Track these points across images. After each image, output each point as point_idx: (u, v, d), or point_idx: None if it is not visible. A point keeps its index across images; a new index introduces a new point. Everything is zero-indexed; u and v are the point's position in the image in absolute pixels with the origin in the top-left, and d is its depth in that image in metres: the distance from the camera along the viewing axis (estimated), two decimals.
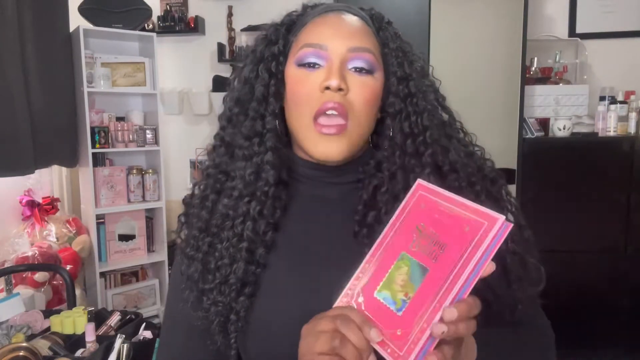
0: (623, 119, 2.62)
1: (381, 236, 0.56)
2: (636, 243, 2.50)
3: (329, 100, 0.62)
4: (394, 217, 0.56)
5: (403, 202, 0.56)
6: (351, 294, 0.54)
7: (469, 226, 0.47)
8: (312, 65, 0.64)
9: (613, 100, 2.66)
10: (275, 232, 0.67)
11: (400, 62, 0.67)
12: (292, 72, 0.66)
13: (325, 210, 0.70)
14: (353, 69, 0.64)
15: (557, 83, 2.79)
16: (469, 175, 0.66)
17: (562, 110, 2.73)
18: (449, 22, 2.53)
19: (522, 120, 2.52)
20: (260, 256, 0.66)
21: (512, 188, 2.48)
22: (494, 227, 0.45)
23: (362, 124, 0.65)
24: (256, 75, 0.68)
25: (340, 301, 0.55)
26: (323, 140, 0.63)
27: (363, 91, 0.64)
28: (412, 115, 0.66)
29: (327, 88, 0.62)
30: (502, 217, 0.45)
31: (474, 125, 0.73)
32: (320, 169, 0.69)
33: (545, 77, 2.80)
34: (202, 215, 0.69)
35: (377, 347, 0.49)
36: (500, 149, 2.46)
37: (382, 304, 0.51)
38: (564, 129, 2.60)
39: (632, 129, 2.59)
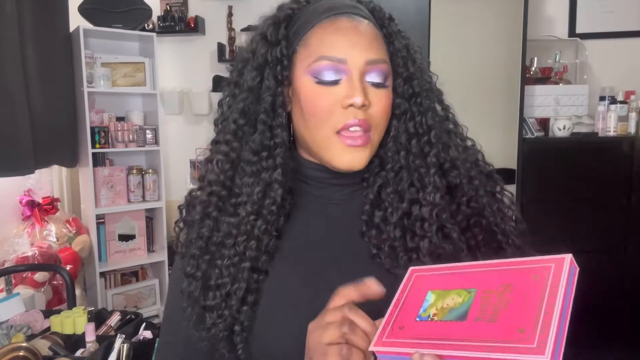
0: (623, 119, 2.61)
1: (482, 263, 0.53)
2: (636, 243, 2.50)
3: (353, 118, 0.61)
4: (507, 261, 0.51)
5: (527, 262, 0.50)
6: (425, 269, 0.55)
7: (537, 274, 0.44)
8: (330, 79, 0.62)
9: (613, 100, 2.65)
10: (279, 240, 0.66)
11: (405, 61, 0.67)
12: (307, 84, 0.63)
13: (330, 212, 0.69)
14: (370, 84, 0.63)
15: (557, 83, 2.79)
16: (468, 170, 0.66)
17: (562, 110, 2.73)
18: (449, 22, 2.53)
19: (522, 120, 2.51)
20: (263, 263, 0.65)
21: (512, 188, 2.47)
22: (564, 265, 0.42)
23: (381, 132, 0.65)
24: (260, 81, 0.66)
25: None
26: (348, 152, 0.62)
27: (382, 103, 0.63)
28: (417, 115, 0.66)
29: (351, 105, 0.61)
30: (569, 255, 0.41)
31: (474, 125, 0.73)
32: (327, 171, 0.68)
33: (545, 77, 2.80)
34: (202, 232, 0.67)
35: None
36: (500, 149, 2.46)
37: (421, 300, 0.51)
38: (564, 129, 2.60)
39: (632, 129, 2.59)
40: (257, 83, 0.65)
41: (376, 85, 0.63)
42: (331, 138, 0.62)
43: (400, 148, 0.65)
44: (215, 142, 0.70)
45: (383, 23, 0.68)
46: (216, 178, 0.67)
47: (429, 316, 0.49)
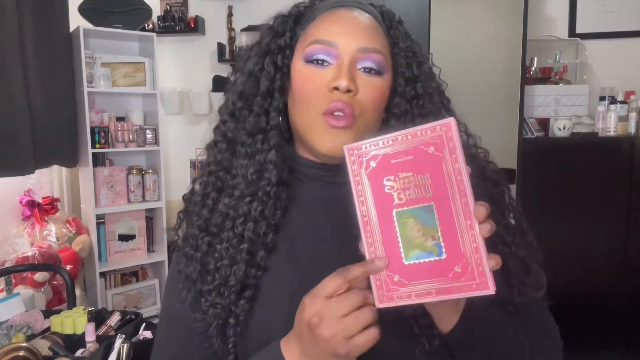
0: (623, 119, 2.62)
1: (359, 219, 0.52)
2: (636, 243, 2.50)
3: (337, 101, 0.61)
4: (354, 196, 0.52)
5: (350, 177, 0.53)
6: (385, 281, 0.51)
7: (432, 146, 0.48)
8: (320, 62, 0.63)
9: (613, 100, 2.65)
10: (276, 234, 0.67)
11: (409, 62, 0.67)
12: (299, 67, 0.65)
13: (327, 212, 0.69)
14: (362, 69, 0.63)
15: (557, 83, 2.79)
16: (470, 177, 0.66)
17: (562, 110, 2.73)
18: (449, 22, 2.53)
19: (522, 120, 2.52)
20: (261, 259, 0.65)
21: (512, 188, 2.47)
22: (452, 128, 0.47)
23: (368, 125, 0.64)
24: (261, 68, 0.67)
25: (378, 295, 0.51)
26: (331, 134, 0.62)
27: (372, 92, 0.63)
28: (417, 117, 0.66)
29: (336, 88, 0.61)
30: (451, 118, 0.48)
31: (474, 125, 0.73)
32: (323, 169, 0.68)
33: (545, 77, 2.80)
34: (202, 213, 0.68)
35: (455, 295, 0.47)
36: (500, 149, 2.44)
37: (421, 263, 0.49)
38: (564, 129, 2.60)
39: (632, 129, 2.59)
40: (258, 70, 0.67)
41: (368, 72, 0.63)
42: (316, 120, 0.63)
43: None
44: (216, 127, 0.71)
45: (391, 24, 0.69)
46: (214, 159, 0.69)
47: (436, 244, 0.48)
